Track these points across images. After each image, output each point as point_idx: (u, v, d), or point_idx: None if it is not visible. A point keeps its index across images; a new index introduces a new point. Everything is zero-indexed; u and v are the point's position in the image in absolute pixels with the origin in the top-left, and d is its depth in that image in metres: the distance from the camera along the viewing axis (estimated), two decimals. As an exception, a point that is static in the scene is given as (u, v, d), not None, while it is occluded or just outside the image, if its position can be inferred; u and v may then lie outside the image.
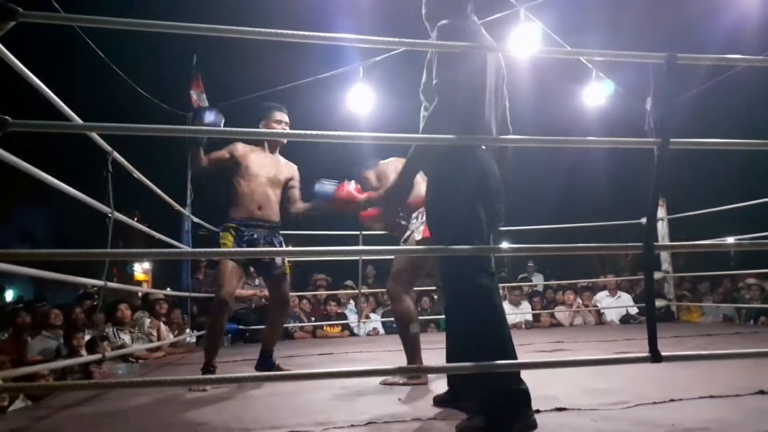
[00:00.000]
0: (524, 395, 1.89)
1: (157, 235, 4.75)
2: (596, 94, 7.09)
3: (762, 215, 5.65)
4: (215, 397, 2.73)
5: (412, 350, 3.03)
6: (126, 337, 5.02)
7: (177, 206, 5.51)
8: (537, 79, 7.45)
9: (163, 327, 5.58)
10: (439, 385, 2.68)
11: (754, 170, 9.84)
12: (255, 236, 3.43)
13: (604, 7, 7.08)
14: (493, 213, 2.13)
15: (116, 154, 3.50)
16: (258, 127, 3.59)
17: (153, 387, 2.91)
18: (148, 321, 5.45)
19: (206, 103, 6.64)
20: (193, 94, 6.63)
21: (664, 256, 7.17)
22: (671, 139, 1.84)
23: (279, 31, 1.88)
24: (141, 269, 16.97)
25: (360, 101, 6.80)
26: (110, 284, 3.63)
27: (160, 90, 6.59)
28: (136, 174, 4.05)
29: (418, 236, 3.10)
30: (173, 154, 7.18)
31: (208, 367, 3.26)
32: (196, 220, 6.24)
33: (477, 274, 1.97)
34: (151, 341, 5.18)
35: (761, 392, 2.25)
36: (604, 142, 2.30)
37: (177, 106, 6.75)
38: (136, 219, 9.60)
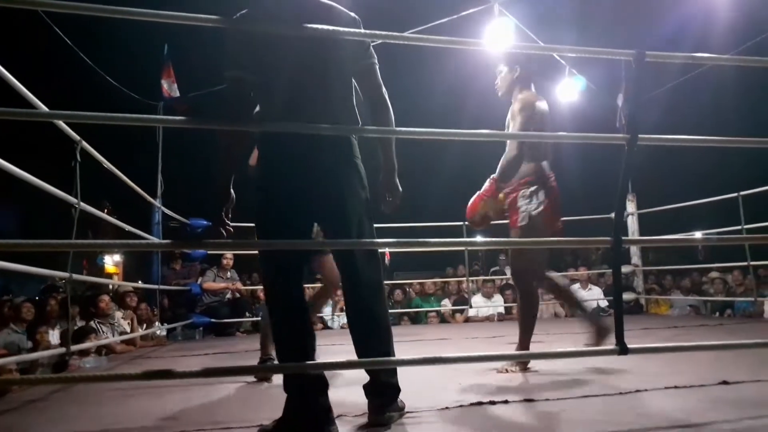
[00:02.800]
0: (324, 412, 1.81)
1: (127, 227, 4.66)
2: (569, 91, 7.18)
3: (729, 210, 5.79)
4: (185, 391, 2.70)
5: (527, 334, 3.01)
6: (107, 330, 4.94)
7: (147, 197, 5.42)
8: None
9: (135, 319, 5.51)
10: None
11: (723, 166, 10.06)
12: None
13: (579, 3, 7.13)
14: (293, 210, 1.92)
15: (85, 144, 3.42)
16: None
17: (120, 381, 2.86)
18: (119, 313, 5.37)
19: (177, 93, 6.53)
20: (164, 84, 6.52)
21: (634, 250, 7.32)
22: (640, 135, 1.86)
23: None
24: (112, 261, 16.62)
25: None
26: (76, 276, 3.55)
27: (130, 79, 6.46)
28: (106, 164, 3.97)
29: (523, 222, 3.00)
30: (143, 144, 7.05)
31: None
32: (166, 211, 6.15)
33: (269, 270, 1.95)
34: (123, 334, 5.10)
35: (725, 382, 2.31)
36: (574, 137, 2.32)
37: (148, 96, 6.64)
38: (106, 210, 9.41)
